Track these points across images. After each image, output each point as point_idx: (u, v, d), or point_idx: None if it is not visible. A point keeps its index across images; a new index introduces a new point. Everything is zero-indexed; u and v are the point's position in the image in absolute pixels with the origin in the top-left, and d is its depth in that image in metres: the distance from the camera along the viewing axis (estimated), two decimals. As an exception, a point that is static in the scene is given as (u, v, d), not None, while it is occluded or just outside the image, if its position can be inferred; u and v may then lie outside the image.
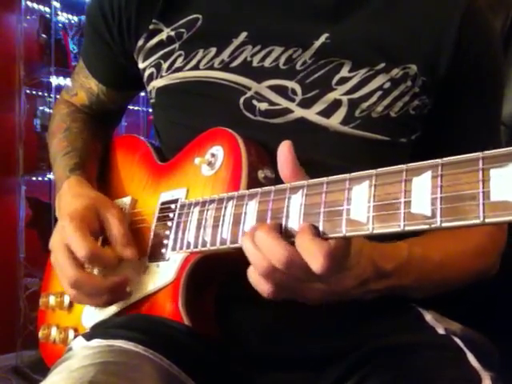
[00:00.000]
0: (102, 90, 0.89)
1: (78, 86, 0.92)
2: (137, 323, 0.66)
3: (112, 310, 0.73)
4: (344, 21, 0.70)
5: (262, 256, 0.50)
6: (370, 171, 0.45)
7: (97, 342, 0.62)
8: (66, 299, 0.82)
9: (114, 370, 0.56)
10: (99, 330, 0.67)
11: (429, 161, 0.40)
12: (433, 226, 0.37)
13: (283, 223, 0.51)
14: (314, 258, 0.46)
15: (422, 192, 0.39)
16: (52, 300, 0.84)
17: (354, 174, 0.46)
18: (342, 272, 0.52)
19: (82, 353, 0.60)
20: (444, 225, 0.37)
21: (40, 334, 0.85)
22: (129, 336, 0.61)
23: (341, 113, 0.67)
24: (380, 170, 0.44)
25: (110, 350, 0.59)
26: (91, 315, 0.76)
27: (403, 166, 0.42)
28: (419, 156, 0.46)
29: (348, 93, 0.67)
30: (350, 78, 0.68)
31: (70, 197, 0.75)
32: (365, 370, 0.59)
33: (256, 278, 0.52)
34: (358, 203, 0.45)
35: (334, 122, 0.67)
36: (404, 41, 0.69)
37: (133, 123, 3.03)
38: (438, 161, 0.39)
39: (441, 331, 0.66)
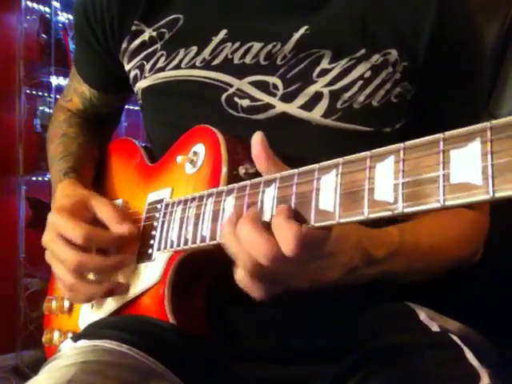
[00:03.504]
0: (94, 95, 0.90)
1: (72, 91, 0.94)
2: (125, 323, 0.66)
3: (104, 312, 0.73)
4: (323, 12, 0.69)
5: (246, 252, 0.47)
6: (337, 160, 0.44)
7: (82, 343, 0.62)
8: (66, 303, 0.83)
9: (94, 368, 0.56)
10: (87, 331, 0.67)
11: (392, 146, 0.39)
12: (395, 212, 0.37)
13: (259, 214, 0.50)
14: (286, 240, 0.45)
15: (384, 178, 0.39)
16: (53, 304, 0.85)
17: (322, 164, 0.46)
18: (322, 259, 0.50)
19: (67, 353, 0.61)
20: (406, 210, 0.36)
21: (43, 338, 0.86)
22: (114, 336, 0.61)
23: (322, 105, 0.67)
24: (346, 157, 0.44)
25: (92, 350, 0.59)
26: (86, 318, 0.76)
27: (367, 153, 0.41)
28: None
29: (329, 84, 0.67)
30: (331, 70, 0.67)
31: (61, 197, 0.76)
32: (366, 369, 0.58)
33: (246, 282, 0.50)
34: (326, 193, 0.44)
35: (316, 115, 0.67)
36: (383, 26, 0.68)
37: (133, 123, 3.01)
38: (401, 145, 0.38)
39: (435, 329, 0.65)
